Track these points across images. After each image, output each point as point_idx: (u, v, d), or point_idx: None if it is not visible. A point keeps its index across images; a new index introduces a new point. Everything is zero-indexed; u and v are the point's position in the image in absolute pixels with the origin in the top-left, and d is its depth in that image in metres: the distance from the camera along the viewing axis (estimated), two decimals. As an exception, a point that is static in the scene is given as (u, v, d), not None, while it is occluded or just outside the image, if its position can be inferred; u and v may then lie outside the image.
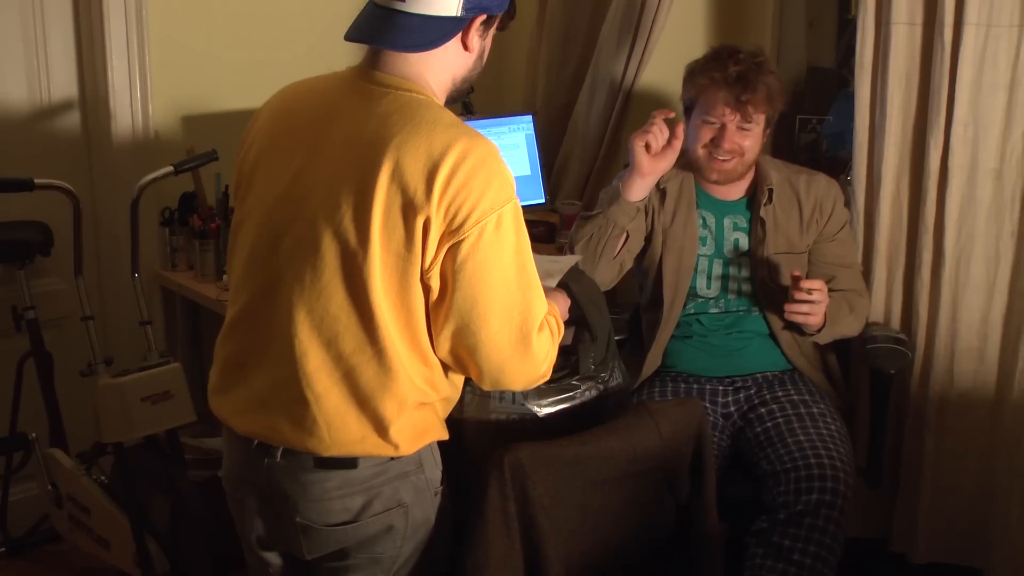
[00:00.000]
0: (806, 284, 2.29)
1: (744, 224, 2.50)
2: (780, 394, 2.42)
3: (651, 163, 2.34)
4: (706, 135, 2.40)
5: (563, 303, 1.95)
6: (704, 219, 2.50)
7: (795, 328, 2.44)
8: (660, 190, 2.48)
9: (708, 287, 2.49)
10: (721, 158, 2.40)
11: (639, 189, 2.38)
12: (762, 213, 2.45)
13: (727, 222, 2.50)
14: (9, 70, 2.86)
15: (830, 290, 2.37)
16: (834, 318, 2.39)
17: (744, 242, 2.49)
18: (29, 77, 2.89)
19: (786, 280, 2.40)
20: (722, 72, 2.37)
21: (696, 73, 2.43)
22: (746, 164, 2.43)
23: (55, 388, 2.82)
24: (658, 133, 2.33)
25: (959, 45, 2.32)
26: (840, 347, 2.55)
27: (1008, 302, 2.43)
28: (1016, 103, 2.34)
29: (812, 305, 2.30)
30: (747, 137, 2.39)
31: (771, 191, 2.45)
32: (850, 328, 2.47)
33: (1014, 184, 2.38)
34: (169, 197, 2.99)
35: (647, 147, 2.34)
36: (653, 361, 2.51)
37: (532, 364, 1.65)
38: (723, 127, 2.38)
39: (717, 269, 2.49)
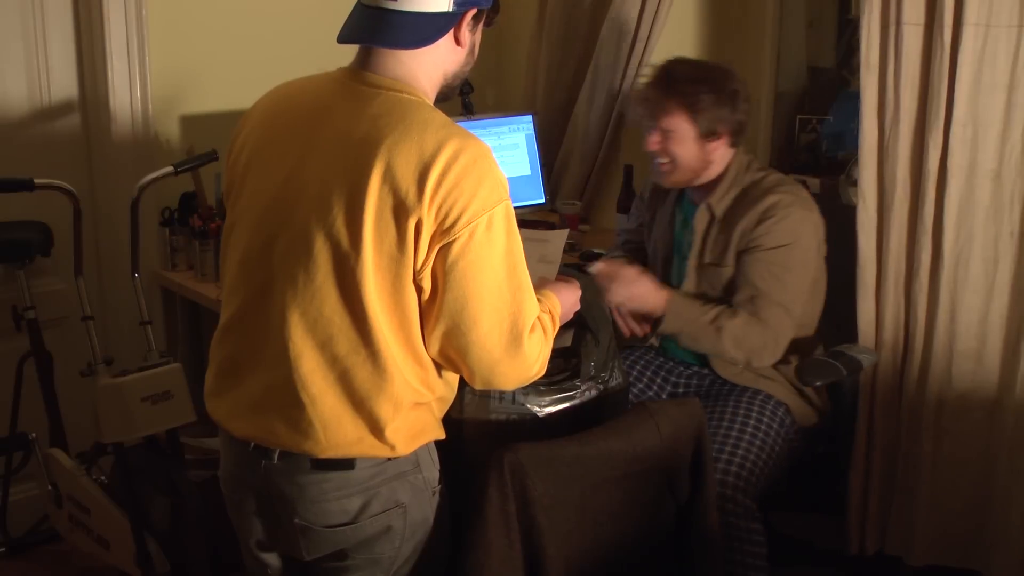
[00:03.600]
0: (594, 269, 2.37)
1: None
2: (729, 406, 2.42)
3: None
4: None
5: (572, 293, 1.90)
6: (684, 219, 2.51)
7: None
8: (651, 191, 2.56)
9: (681, 286, 2.49)
10: (658, 161, 2.40)
11: None
12: (694, 222, 2.45)
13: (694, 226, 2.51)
14: (9, 70, 2.86)
15: (724, 301, 2.36)
16: (679, 314, 2.36)
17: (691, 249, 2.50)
18: (29, 77, 2.89)
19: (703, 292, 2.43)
20: (647, 77, 2.44)
21: None
22: (686, 171, 2.40)
23: (55, 388, 2.82)
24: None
25: (958, 45, 2.31)
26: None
27: (1008, 303, 2.43)
28: (1015, 104, 2.33)
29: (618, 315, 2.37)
30: (672, 142, 2.36)
31: (709, 204, 2.43)
32: (710, 342, 2.37)
33: (1013, 185, 2.37)
34: (169, 197, 2.99)
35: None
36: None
37: (523, 365, 1.65)
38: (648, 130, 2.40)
39: (683, 270, 2.50)
